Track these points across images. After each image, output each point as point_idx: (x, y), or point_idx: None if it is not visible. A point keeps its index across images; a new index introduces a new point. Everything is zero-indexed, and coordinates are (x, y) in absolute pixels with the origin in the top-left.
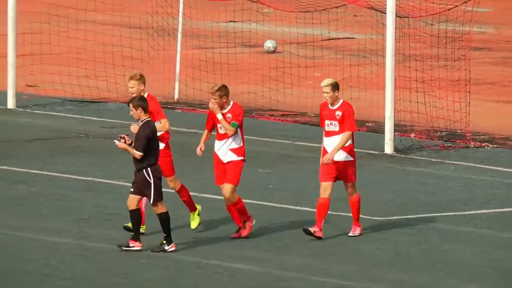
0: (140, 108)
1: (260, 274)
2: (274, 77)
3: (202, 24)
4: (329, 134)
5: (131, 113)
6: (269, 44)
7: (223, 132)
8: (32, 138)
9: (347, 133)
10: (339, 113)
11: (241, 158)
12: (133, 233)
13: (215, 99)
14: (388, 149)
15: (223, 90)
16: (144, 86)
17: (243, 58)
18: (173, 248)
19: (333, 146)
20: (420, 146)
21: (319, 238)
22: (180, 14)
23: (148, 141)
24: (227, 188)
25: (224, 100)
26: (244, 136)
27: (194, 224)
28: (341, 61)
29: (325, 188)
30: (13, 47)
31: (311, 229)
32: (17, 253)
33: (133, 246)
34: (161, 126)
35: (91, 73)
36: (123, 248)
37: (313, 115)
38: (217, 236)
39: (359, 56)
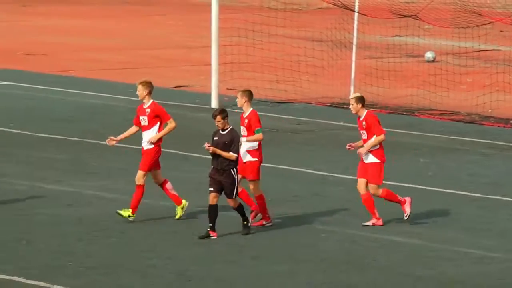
0: (226, 118)
1: (417, 245)
2: (433, 82)
3: (373, 38)
4: (364, 141)
5: (217, 123)
6: (429, 55)
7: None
8: None
9: (375, 138)
10: (364, 123)
11: (256, 159)
12: (210, 225)
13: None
14: None
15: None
16: (150, 92)
17: (407, 66)
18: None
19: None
20: None
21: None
22: (355, 29)
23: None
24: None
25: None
26: (408, 132)
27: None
28: (489, 69)
29: (360, 184)
30: (216, 57)
31: (369, 223)
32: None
33: (212, 236)
34: (169, 126)
35: (281, 78)
36: (204, 237)
37: (465, 113)
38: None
39: (505, 64)
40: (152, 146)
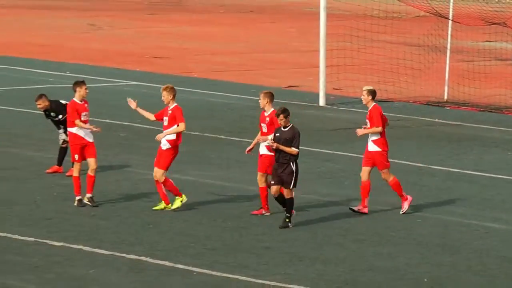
0: (288, 117)
1: (509, 231)
2: None
3: (465, 43)
4: None
5: (280, 121)
6: None
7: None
8: (337, 128)
9: (373, 128)
10: (368, 114)
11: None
12: (287, 215)
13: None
14: None
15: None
16: (174, 97)
17: (496, 69)
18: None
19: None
20: None
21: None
22: (449, 35)
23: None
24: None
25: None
26: (497, 128)
27: (174, 205)
28: None
29: (363, 172)
30: (324, 60)
31: (355, 208)
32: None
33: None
34: (178, 128)
35: (382, 79)
36: (284, 227)
37: None
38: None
39: None
40: (170, 146)
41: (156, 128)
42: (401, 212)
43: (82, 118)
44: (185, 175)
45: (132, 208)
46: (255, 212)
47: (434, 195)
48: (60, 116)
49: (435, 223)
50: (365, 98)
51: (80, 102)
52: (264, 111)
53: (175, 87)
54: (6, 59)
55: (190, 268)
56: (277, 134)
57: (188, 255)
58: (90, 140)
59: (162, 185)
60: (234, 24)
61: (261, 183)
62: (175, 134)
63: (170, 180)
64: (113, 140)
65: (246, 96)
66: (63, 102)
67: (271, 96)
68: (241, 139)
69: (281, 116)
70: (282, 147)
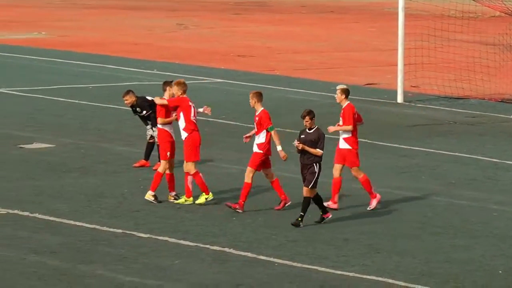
0: (314, 119)
1: None
2: None
3: None
4: (339, 126)
5: (306, 123)
6: None
7: None
8: (414, 124)
9: (344, 126)
10: (342, 111)
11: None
12: (321, 209)
13: None
14: None
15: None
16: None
17: None
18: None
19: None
20: None
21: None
22: None
23: None
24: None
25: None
26: None
27: (199, 200)
28: None
29: (335, 169)
30: (402, 58)
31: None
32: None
33: (326, 219)
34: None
35: (458, 77)
36: (321, 222)
37: None
38: None
39: None
40: (186, 134)
41: (240, 124)
42: (368, 209)
43: (172, 116)
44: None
45: (217, 201)
46: (229, 203)
47: (509, 190)
48: (144, 112)
49: (511, 216)
50: (339, 97)
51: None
52: (256, 111)
53: (259, 87)
54: (97, 57)
55: (272, 259)
56: (302, 136)
57: (270, 246)
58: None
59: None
60: (315, 23)
61: (249, 179)
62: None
63: (200, 175)
64: None
65: (327, 94)
66: (149, 98)
67: (259, 96)
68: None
69: (307, 118)
70: (307, 148)
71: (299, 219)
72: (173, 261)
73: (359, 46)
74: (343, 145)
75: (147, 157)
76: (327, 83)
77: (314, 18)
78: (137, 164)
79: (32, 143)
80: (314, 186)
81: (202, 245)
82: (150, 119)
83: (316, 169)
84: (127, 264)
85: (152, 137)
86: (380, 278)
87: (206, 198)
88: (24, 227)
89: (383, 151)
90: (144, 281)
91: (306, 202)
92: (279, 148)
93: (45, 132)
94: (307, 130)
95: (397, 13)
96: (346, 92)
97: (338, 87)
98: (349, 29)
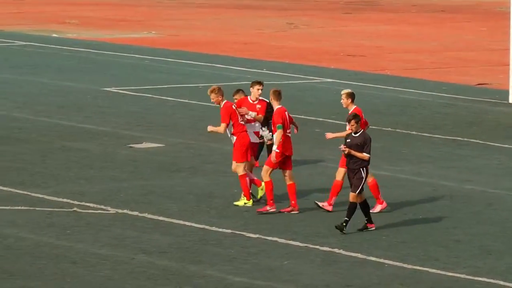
0: (359, 122)
1: None
2: None
3: None
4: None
5: (351, 127)
6: None
7: None
8: None
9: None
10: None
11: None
12: (367, 217)
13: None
14: None
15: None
16: (222, 97)
17: None
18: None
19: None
20: None
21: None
22: None
23: None
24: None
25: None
26: None
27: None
28: None
29: (339, 172)
30: None
31: (320, 204)
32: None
33: (370, 228)
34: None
35: None
36: (362, 229)
37: None
38: None
39: None
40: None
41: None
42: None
43: (247, 117)
44: (379, 170)
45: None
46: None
47: None
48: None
49: None
50: (345, 101)
51: (252, 102)
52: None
53: (369, 87)
54: (207, 57)
55: (382, 260)
56: (348, 140)
57: (380, 247)
58: (254, 141)
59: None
60: (426, 23)
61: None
62: None
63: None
64: (308, 136)
65: (438, 94)
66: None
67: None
68: (432, 135)
69: (352, 122)
70: (353, 152)
71: (344, 224)
72: (282, 262)
73: (471, 45)
74: None
75: (256, 157)
76: (438, 83)
77: (425, 17)
78: None
79: (142, 143)
80: (361, 192)
81: (311, 246)
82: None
83: (363, 174)
84: (236, 264)
85: (261, 137)
86: (491, 280)
87: (245, 203)
88: (133, 227)
89: (495, 151)
90: (253, 281)
91: (352, 208)
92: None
93: (154, 131)
94: (352, 134)
95: (509, 13)
96: (351, 96)
97: (343, 91)
98: (460, 28)
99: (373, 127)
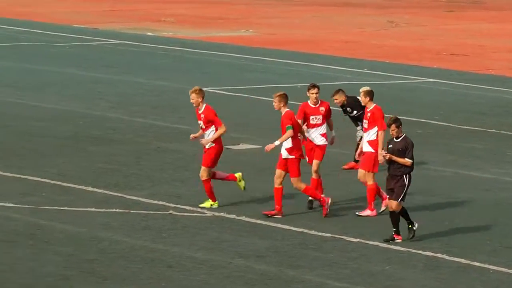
0: (400, 127)
1: None
2: None
3: None
4: (364, 130)
5: (392, 132)
6: None
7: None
8: None
9: (379, 132)
10: (369, 115)
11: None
12: (394, 229)
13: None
14: None
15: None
16: (203, 99)
17: None
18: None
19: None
20: None
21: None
22: None
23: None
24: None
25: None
26: None
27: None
28: None
29: (365, 175)
30: None
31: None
32: None
33: (396, 239)
34: (220, 131)
35: None
36: (389, 240)
37: None
38: None
39: None
40: (213, 144)
41: (454, 126)
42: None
43: (311, 122)
44: (483, 172)
45: (429, 205)
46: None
47: None
48: (355, 112)
49: None
50: (363, 99)
51: (312, 106)
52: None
53: (473, 87)
54: (305, 56)
55: (486, 265)
56: (390, 145)
57: (484, 252)
58: (319, 143)
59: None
60: None
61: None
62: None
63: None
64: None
65: None
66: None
67: (285, 98)
68: None
69: (393, 126)
70: (395, 158)
71: (412, 228)
72: (383, 267)
73: None
74: (366, 148)
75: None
76: None
77: None
78: (346, 166)
79: (239, 144)
80: (402, 199)
81: (413, 251)
82: (361, 120)
83: (406, 181)
84: (336, 269)
85: (362, 138)
86: None
87: (211, 205)
88: (230, 230)
89: None
90: (353, 287)
91: (395, 217)
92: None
93: (251, 132)
94: (394, 139)
95: None
96: (370, 94)
97: (362, 89)
98: None
99: (477, 128)
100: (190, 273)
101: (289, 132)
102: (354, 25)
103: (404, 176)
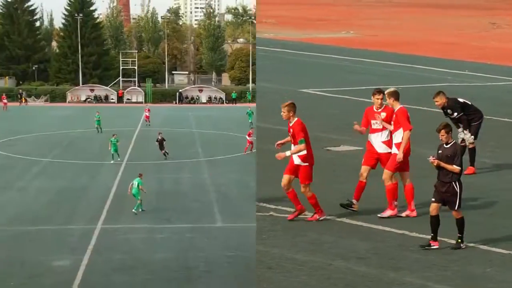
0: (450, 133)
1: None
2: None
3: None
4: (391, 133)
5: (441, 137)
6: None
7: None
8: None
9: (404, 133)
10: (394, 116)
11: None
12: (432, 235)
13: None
14: None
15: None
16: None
17: None
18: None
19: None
20: None
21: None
22: None
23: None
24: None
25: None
26: None
27: None
28: None
29: (395, 176)
30: None
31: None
32: None
33: (433, 246)
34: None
35: None
36: (425, 247)
37: None
38: None
39: None
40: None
41: None
42: (379, 215)
43: (372, 127)
44: None
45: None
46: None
47: None
48: (455, 114)
49: None
50: (389, 101)
51: (376, 110)
52: (289, 122)
53: None
54: (407, 57)
55: None
56: (439, 151)
57: None
58: (381, 151)
59: None
60: None
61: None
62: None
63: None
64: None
65: None
66: (461, 100)
67: (294, 107)
68: None
69: (442, 132)
70: (443, 164)
71: (459, 241)
72: (485, 269)
73: None
74: (394, 149)
75: (471, 162)
76: None
77: None
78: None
79: (340, 146)
80: (459, 206)
81: None
82: (462, 122)
83: (457, 189)
84: (436, 271)
85: (463, 140)
86: None
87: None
88: (330, 231)
89: None
90: None
91: (460, 223)
92: (287, 153)
93: (352, 134)
94: (444, 145)
95: None
96: (395, 95)
97: (387, 91)
98: None
99: None
100: (291, 274)
101: (302, 146)
102: (455, 26)
103: (454, 183)
